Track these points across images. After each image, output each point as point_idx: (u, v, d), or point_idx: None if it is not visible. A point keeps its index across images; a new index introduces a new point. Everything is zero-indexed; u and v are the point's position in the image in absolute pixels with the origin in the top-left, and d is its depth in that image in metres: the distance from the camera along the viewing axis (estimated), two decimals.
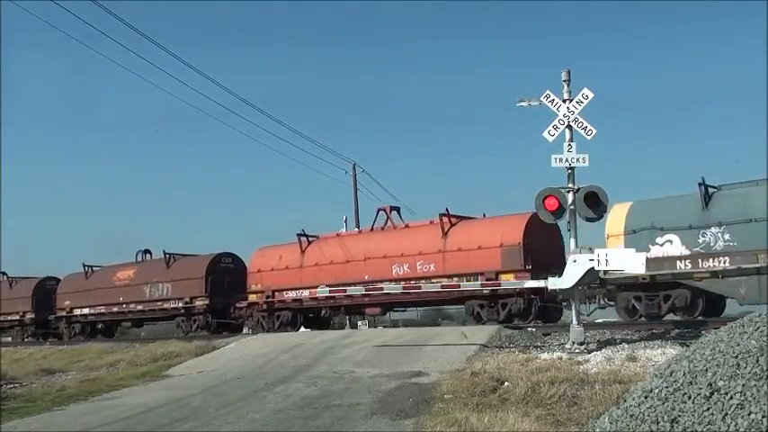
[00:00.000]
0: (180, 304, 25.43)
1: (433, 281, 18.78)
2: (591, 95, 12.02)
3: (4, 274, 33.62)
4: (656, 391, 5.64)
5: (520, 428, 7.24)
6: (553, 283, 12.33)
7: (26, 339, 31.03)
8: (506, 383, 9.47)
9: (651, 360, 10.27)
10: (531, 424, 7.37)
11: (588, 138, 12.01)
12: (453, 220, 20.16)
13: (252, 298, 23.40)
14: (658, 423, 5.33)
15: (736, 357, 5.48)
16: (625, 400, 5.99)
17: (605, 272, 13.31)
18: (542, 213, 12.20)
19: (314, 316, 22.97)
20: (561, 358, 10.96)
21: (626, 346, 11.75)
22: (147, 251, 28.73)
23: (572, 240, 12.05)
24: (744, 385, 5.18)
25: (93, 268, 29.58)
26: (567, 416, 7.79)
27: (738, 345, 5.67)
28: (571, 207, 11.97)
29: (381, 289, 17.06)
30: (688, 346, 7.77)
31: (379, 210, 22.81)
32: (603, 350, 11.47)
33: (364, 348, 13.93)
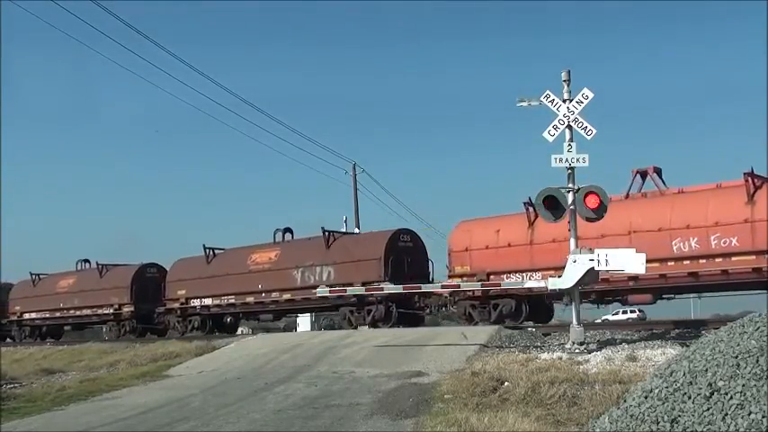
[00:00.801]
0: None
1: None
2: (591, 95, 12.02)
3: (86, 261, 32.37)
4: (656, 391, 5.64)
5: (520, 428, 7.24)
6: (553, 283, 12.34)
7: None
8: (506, 383, 9.47)
9: (651, 360, 10.27)
10: (531, 424, 7.37)
11: (588, 138, 12.01)
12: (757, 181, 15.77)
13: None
14: (658, 423, 5.33)
15: (736, 357, 5.48)
16: (625, 400, 5.99)
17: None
18: (543, 213, 12.21)
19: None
20: (561, 358, 10.96)
21: (626, 346, 11.75)
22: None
23: (572, 240, 12.05)
24: (744, 385, 5.18)
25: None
26: (567, 416, 7.79)
27: (738, 345, 5.67)
28: (571, 207, 11.97)
29: None
30: (688, 346, 7.77)
31: (637, 172, 18.01)
32: (603, 350, 11.46)
33: (364, 348, 13.92)
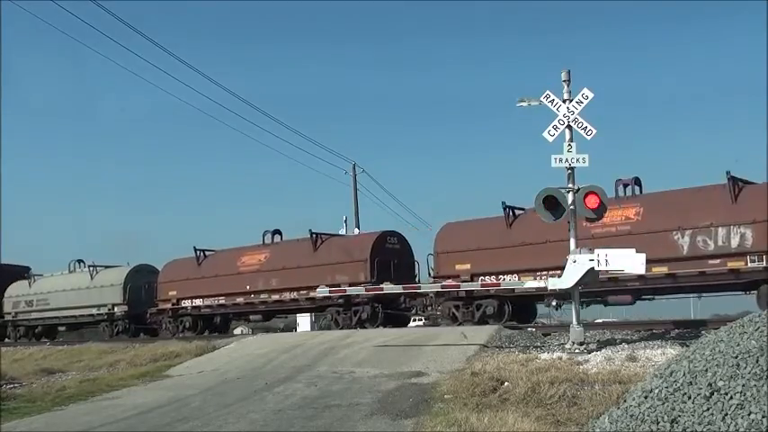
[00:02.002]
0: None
1: None
2: (591, 95, 12.01)
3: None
4: (656, 391, 5.65)
5: (520, 428, 7.25)
6: (553, 283, 12.34)
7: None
8: (506, 383, 9.47)
9: (651, 360, 10.26)
10: (531, 424, 7.38)
11: (588, 138, 12.00)
12: None
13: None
14: (658, 423, 5.33)
15: (736, 357, 5.49)
16: (625, 401, 6.00)
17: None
18: (542, 213, 12.20)
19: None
20: (561, 358, 10.95)
21: (626, 346, 11.74)
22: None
23: (572, 240, 12.05)
24: (744, 385, 5.18)
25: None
26: (567, 416, 7.79)
27: (738, 345, 5.68)
28: (571, 207, 11.97)
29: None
30: (688, 346, 7.78)
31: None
32: (603, 350, 11.46)
33: (364, 348, 13.92)
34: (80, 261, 30.66)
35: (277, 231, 24.44)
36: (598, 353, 11.29)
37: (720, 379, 5.34)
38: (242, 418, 8.97)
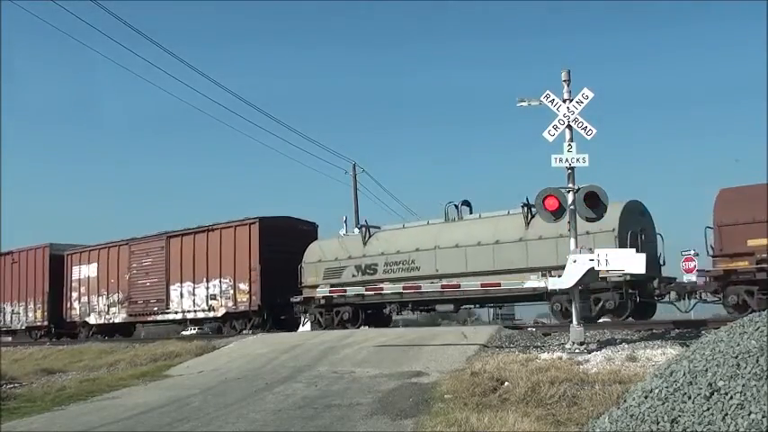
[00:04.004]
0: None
1: None
2: (591, 95, 12.02)
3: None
4: (656, 391, 5.64)
5: (520, 428, 7.24)
6: (553, 282, 12.34)
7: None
8: (506, 383, 9.47)
9: (651, 360, 10.26)
10: (531, 424, 7.37)
11: (588, 138, 12.00)
12: None
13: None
14: (658, 423, 5.33)
15: (736, 357, 5.48)
16: (625, 400, 5.99)
17: None
18: (542, 213, 12.21)
19: None
20: (561, 358, 10.95)
21: (626, 346, 11.75)
22: None
23: (572, 240, 12.05)
24: (744, 385, 5.18)
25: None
26: (567, 416, 7.78)
27: (738, 345, 5.67)
28: (571, 207, 11.98)
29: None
30: (688, 346, 7.78)
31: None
32: (603, 350, 11.46)
33: (364, 348, 13.93)
34: (465, 203, 20.31)
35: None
36: (598, 353, 11.29)
37: (720, 379, 5.34)
38: (242, 417, 8.97)
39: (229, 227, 24.12)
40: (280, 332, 20.45)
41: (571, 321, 12.23)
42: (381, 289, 16.67)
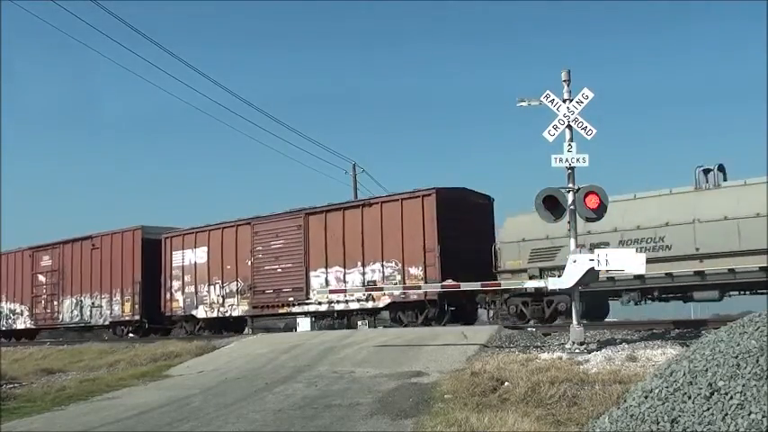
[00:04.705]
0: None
1: None
2: (591, 95, 12.01)
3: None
4: (656, 391, 5.64)
5: (520, 428, 7.24)
6: (553, 282, 12.34)
7: None
8: (506, 383, 9.47)
9: (651, 360, 10.26)
10: (531, 424, 7.37)
11: (588, 138, 12.00)
12: None
13: None
14: (658, 423, 5.33)
15: (736, 357, 5.48)
16: (625, 400, 6.00)
17: None
18: (542, 213, 12.21)
19: None
20: (561, 358, 10.95)
21: (626, 346, 11.75)
22: None
23: (572, 240, 12.05)
24: (744, 385, 5.18)
25: None
26: (567, 416, 7.78)
27: (738, 345, 5.67)
28: (571, 207, 11.97)
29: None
30: (688, 346, 7.78)
31: None
32: (603, 350, 11.46)
33: (364, 348, 13.92)
34: (720, 168, 16.51)
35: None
36: (598, 353, 11.29)
37: (720, 379, 5.34)
38: (242, 417, 8.96)
39: (394, 200, 20.47)
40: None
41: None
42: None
